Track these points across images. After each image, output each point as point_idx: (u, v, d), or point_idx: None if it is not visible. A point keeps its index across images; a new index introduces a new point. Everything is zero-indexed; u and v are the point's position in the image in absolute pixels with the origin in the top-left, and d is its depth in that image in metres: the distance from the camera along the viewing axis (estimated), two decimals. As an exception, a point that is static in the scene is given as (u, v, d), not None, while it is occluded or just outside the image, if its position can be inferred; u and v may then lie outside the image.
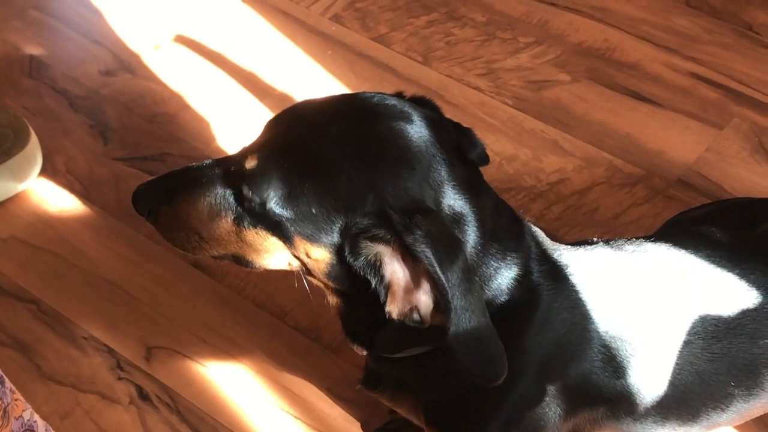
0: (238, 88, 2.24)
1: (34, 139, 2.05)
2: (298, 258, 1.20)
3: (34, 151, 2.05)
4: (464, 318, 1.09)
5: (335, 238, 1.16)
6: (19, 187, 2.03)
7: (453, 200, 1.17)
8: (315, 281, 1.25)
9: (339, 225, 1.15)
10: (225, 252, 1.26)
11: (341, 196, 1.14)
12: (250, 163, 1.17)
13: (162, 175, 1.29)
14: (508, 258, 1.22)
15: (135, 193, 1.28)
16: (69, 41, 2.37)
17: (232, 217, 1.21)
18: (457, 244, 1.12)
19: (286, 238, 1.18)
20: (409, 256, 1.10)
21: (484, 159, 1.29)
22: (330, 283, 1.23)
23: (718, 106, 2.15)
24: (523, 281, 1.24)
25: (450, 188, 1.17)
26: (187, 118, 2.19)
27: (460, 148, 1.23)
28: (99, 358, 1.79)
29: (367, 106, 1.21)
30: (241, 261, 1.27)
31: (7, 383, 1.16)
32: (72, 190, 2.05)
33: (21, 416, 1.19)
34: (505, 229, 1.23)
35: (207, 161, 1.26)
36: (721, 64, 2.23)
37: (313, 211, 1.14)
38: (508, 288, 1.23)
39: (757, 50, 2.26)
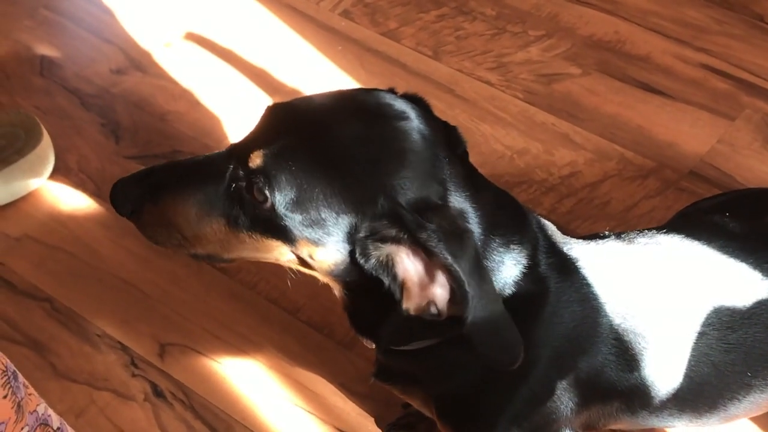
0: (249, 85, 2.25)
1: (46, 138, 2.06)
2: (298, 257, 1.20)
3: (46, 150, 2.05)
4: (480, 306, 1.10)
5: (343, 240, 1.15)
6: (32, 186, 2.04)
7: (455, 197, 1.18)
8: (312, 273, 1.25)
9: (348, 228, 1.14)
10: (205, 252, 1.25)
11: (352, 199, 1.13)
12: (255, 162, 1.15)
13: (145, 171, 1.26)
14: (513, 251, 1.22)
15: (114, 190, 1.25)
16: (80, 40, 2.38)
17: (226, 219, 1.20)
18: (467, 235, 1.13)
19: (289, 241, 1.17)
20: (423, 252, 1.11)
21: (466, 157, 1.29)
22: (332, 279, 1.23)
23: (729, 97, 2.15)
24: (530, 274, 1.23)
25: (452, 185, 1.18)
26: (198, 116, 2.19)
27: (450, 145, 1.23)
28: (113, 355, 1.79)
29: (370, 107, 1.20)
30: (217, 258, 1.26)
31: (20, 378, 1.16)
32: (84, 189, 2.05)
33: (35, 410, 1.19)
34: (507, 222, 1.23)
35: (197, 157, 1.24)
36: (731, 55, 2.23)
37: (322, 215, 1.14)
38: (514, 281, 1.23)
39: (767, 41, 2.26)
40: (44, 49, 2.36)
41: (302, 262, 1.21)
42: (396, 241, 1.12)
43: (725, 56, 2.23)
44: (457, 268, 1.08)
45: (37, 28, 2.41)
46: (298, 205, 1.14)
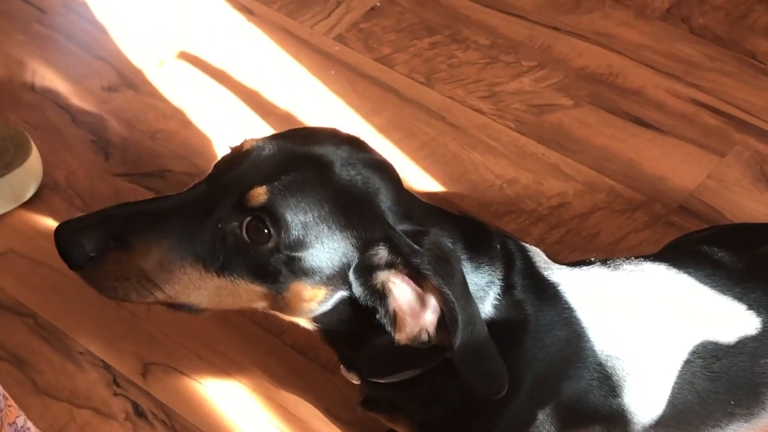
0: (241, 106, 2.24)
1: (35, 154, 2.05)
2: (279, 300, 1.17)
3: (34, 166, 2.05)
4: (467, 332, 1.11)
5: (338, 276, 1.15)
6: (19, 201, 2.03)
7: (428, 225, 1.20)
8: (280, 314, 1.22)
9: (346, 264, 1.14)
10: (174, 301, 1.17)
11: (355, 235, 1.13)
12: (258, 200, 1.10)
13: (99, 214, 1.15)
14: (482, 274, 1.24)
15: (63, 235, 1.12)
16: (72, 56, 2.38)
17: (203, 263, 1.13)
18: (456, 259, 1.15)
19: (278, 284, 1.13)
20: (416, 277, 1.12)
21: None
22: (308, 319, 1.22)
23: (720, 133, 2.15)
24: (504, 297, 1.25)
25: (426, 221, 1.20)
26: (189, 135, 2.19)
27: None
28: (95, 373, 1.78)
29: (351, 142, 1.21)
30: (182, 307, 1.19)
31: (0, 389, 1.16)
32: (72, 205, 2.04)
33: (14, 422, 1.19)
34: (474, 246, 1.25)
35: (165, 197, 1.16)
36: (723, 91, 2.23)
37: (327, 254, 1.12)
38: (489, 307, 1.24)
39: (760, 78, 2.26)
40: (36, 65, 2.36)
41: (283, 303, 1.17)
42: (388, 265, 1.12)
43: (717, 92, 2.23)
44: (448, 291, 1.09)
45: (30, 43, 2.41)
46: (300, 244, 1.11)
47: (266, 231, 1.10)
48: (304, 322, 1.24)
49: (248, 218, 1.10)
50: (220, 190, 1.14)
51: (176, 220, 1.13)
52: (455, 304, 1.09)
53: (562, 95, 2.24)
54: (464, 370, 1.12)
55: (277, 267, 1.12)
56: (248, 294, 1.16)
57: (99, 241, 1.12)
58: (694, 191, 2.04)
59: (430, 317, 1.13)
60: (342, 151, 1.17)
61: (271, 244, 1.10)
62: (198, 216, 1.13)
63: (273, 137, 1.20)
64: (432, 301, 1.12)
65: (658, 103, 2.22)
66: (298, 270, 1.12)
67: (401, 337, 1.13)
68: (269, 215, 1.09)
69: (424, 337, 1.14)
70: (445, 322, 1.11)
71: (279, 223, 1.09)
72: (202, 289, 1.16)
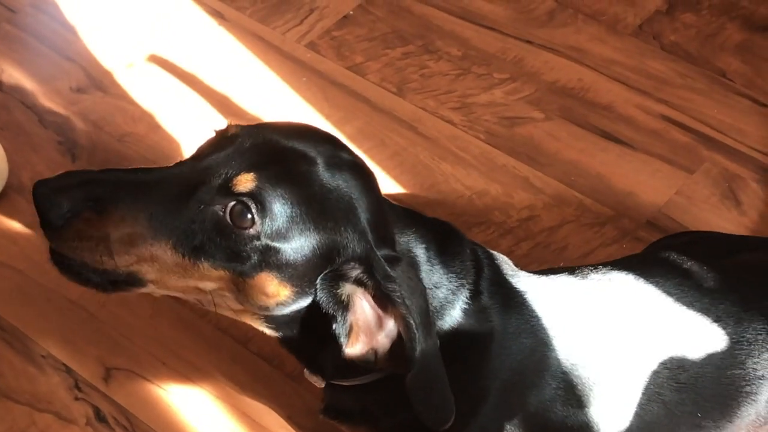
0: (211, 111, 2.23)
1: (0, 154, 2.02)
2: (240, 285, 1.15)
3: (0, 166, 2.02)
4: (422, 363, 1.12)
5: (307, 278, 1.15)
6: (-16, 201, 2.01)
7: (404, 237, 1.22)
8: (229, 310, 1.21)
9: (321, 268, 1.14)
10: (124, 271, 1.14)
11: (337, 243, 1.14)
12: (245, 185, 1.10)
13: (81, 175, 1.13)
14: (453, 282, 1.24)
15: (43, 195, 1.09)
16: (41, 57, 2.35)
17: (173, 241, 1.12)
18: (422, 291, 1.16)
19: (246, 272, 1.13)
20: (382, 300, 1.13)
21: None
22: (260, 318, 1.22)
23: (689, 150, 2.16)
24: (472, 303, 1.25)
25: (400, 226, 1.22)
26: (157, 139, 2.17)
27: None
28: (57, 377, 1.76)
29: (336, 143, 1.21)
30: (134, 282, 1.15)
31: None
32: (37, 206, 2.02)
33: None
34: (447, 252, 1.26)
35: (151, 169, 1.15)
36: (693, 108, 2.25)
37: (307, 252, 1.13)
38: (458, 311, 1.25)
39: (729, 96, 2.27)
40: (4, 64, 2.33)
41: (242, 287, 1.16)
42: (359, 283, 1.13)
43: (686, 109, 2.24)
44: (412, 320, 1.10)
45: (-1, 43, 2.39)
46: (281, 236, 1.11)
47: (249, 216, 1.09)
48: (263, 326, 1.24)
49: (233, 202, 1.10)
50: (204, 172, 1.13)
51: (157, 196, 1.12)
52: (416, 334, 1.10)
53: (533, 108, 2.25)
54: (414, 397, 1.13)
55: (251, 254, 1.11)
56: (209, 277, 1.14)
57: (77, 204, 1.10)
58: (663, 207, 2.04)
59: (383, 340, 1.14)
60: (325, 149, 1.17)
61: (252, 231, 1.10)
62: (179, 194, 1.12)
63: (257, 126, 1.20)
64: (389, 326, 1.13)
65: (628, 118, 2.23)
66: (272, 261, 1.12)
67: (351, 351, 1.15)
68: (257, 202, 1.09)
69: (371, 357, 1.15)
70: (396, 349, 1.13)
71: (265, 212, 1.09)
72: (159, 263, 1.14)
